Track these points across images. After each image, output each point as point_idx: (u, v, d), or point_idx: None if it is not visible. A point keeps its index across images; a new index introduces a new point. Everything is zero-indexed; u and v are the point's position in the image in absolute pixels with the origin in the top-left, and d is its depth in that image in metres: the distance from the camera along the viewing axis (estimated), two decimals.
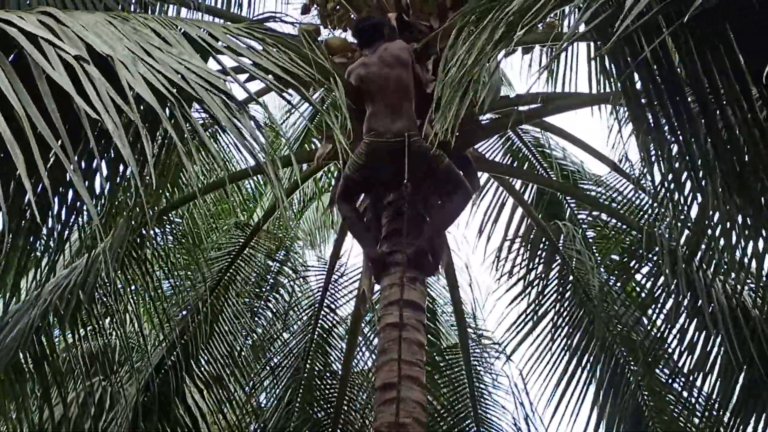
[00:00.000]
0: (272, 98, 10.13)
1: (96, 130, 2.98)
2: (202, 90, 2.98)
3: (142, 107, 3.25)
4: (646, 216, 6.70)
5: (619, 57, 3.39)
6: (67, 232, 3.89)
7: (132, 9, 5.60)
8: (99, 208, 3.88)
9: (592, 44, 5.76)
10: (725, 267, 4.69)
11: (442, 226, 5.36)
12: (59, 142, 2.47)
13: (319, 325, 7.82)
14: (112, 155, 3.58)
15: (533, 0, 3.14)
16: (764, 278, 4.59)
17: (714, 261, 4.74)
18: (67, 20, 3.07)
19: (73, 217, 3.80)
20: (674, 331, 5.63)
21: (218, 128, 7.43)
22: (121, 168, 3.72)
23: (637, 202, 7.04)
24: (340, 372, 7.68)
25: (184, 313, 7.00)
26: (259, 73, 3.57)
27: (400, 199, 5.25)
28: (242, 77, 4.37)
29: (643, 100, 3.50)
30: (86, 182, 3.57)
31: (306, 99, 3.97)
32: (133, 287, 6.13)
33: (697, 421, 6.22)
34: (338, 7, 6.58)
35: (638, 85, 3.51)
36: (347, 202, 5.43)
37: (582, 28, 3.18)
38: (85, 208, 3.73)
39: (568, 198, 7.79)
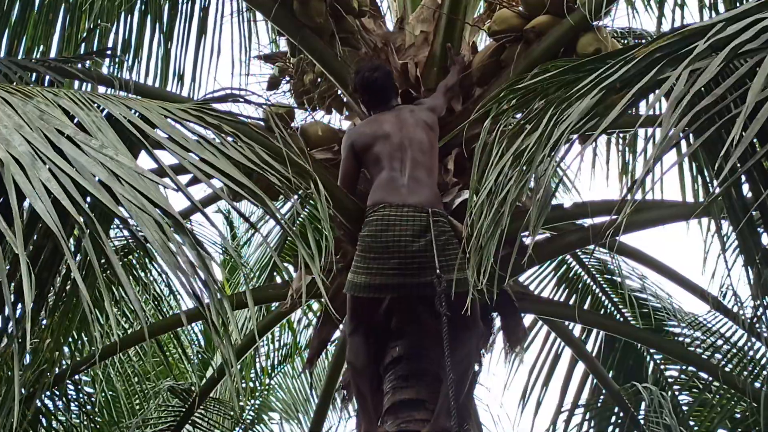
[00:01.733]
0: (224, 205, 10.24)
1: None
2: (132, 206, 3.01)
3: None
4: (764, 373, 6.65)
5: (719, 155, 3.42)
6: None
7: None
8: None
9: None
10: None
11: (462, 379, 5.23)
12: None
13: None
14: None
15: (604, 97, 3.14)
16: None
17: None
18: None
19: None
20: None
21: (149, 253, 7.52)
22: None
23: (751, 353, 7.01)
24: None
25: None
26: (215, 178, 3.62)
27: (410, 354, 5.20)
28: (185, 177, 4.41)
29: (754, 212, 3.53)
30: None
31: (274, 218, 3.99)
32: None
33: None
34: (320, 80, 6.58)
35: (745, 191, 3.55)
36: (357, 332, 5.35)
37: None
38: None
39: (650, 348, 7.75)
